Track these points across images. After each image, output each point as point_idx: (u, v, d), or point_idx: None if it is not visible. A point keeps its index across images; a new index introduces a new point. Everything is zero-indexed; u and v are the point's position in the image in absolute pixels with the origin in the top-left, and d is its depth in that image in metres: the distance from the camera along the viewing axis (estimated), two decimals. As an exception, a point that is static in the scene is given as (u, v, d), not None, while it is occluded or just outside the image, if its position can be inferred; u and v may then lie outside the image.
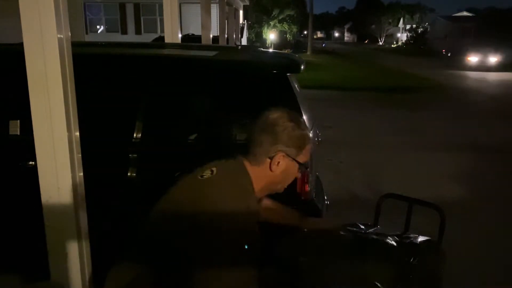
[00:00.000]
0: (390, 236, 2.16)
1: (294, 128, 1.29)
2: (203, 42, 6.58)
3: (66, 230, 1.94)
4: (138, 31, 21.85)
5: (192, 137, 2.52)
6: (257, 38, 30.93)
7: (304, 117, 2.54)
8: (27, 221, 2.22)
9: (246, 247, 1.13)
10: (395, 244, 2.02)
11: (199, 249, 1.13)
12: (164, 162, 2.35)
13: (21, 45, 1.76)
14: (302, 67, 2.58)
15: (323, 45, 54.48)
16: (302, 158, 1.31)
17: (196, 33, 11.71)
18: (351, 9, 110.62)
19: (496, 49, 23.58)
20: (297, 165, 1.31)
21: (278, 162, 1.30)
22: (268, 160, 1.30)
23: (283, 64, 2.69)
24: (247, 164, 1.35)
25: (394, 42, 66.63)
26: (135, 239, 1.31)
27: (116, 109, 2.50)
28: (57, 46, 1.74)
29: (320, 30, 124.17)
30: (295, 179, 2.41)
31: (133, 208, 2.03)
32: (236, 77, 2.42)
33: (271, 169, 1.30)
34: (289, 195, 2.45)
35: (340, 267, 1.81)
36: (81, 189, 1.96)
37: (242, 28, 21.54)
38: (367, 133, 7.84)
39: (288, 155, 1.30)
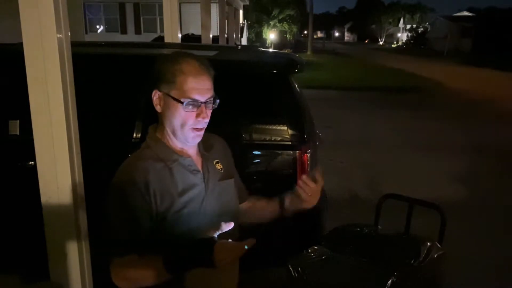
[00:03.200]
0: (390, 236, 2.16)
1: (162, 62, 1.26)
2: (203, 41, 6.58)
3: (65, 230, 1.94)
4: (137, 31, 21.84)
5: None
6: (257, 38, 30.92)
7: (305, 116, 2.54)
8: (27, 221, 2.22)
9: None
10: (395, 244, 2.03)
11: None
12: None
13: (21, 45, 1.76)
14: (302, 67, 2.58)
15: (324, 45, 54.34)
16: (176, 93, 1.22)
17: (196, 33, 11.72)
18: (351, 9, 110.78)
19: None
20: (174, 101, 1.23)
21: (157, 99, 1.27)
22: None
23: (283, 64, 2.69)
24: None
25: (395, 42, 66.62)
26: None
27: (116, 109, 2.50)
28: (57, 46, 1.74)
29: (321, 30, 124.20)
30: (295, 180, 2.43)
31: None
32: (236, 77, 2.42)
33: (158, 110, 1.29)
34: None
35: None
36: (81, 189, 1.96)
37: (242, 28, 21.53)
38: (368, 133, 7.83)
39: (160, 91, 1.25)
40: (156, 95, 1.27)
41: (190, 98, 1.22)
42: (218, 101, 1.29)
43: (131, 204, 1.22)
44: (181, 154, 1.31)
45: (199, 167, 1.34)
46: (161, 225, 1.24)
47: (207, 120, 1.27)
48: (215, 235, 1.14)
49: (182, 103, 1.22)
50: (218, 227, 1.16)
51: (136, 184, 1.22)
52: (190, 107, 1.23)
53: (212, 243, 1.10)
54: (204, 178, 1.32)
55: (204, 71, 1.25)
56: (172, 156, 1.30)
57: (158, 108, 1.28)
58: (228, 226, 1.16)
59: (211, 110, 1.28)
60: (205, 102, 1.25)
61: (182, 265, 1.14)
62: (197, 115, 1.24)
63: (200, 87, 1.23)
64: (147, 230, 1.22)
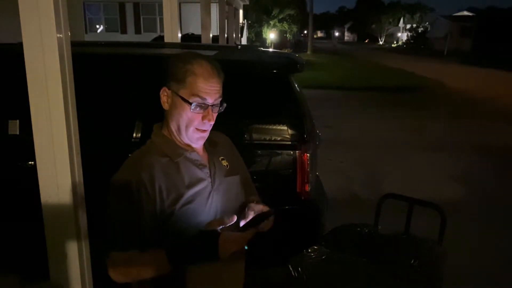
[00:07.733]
0: (390, 236, 2.16)
1: (174, 61, 1.26)
2: (203, 41, 6.57)
3: (65, 230, 1.94)
4: (137, 31, 21.82)
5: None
6: (257, 37, 30.91)
7: (305, 116, 2.54)
8: (27, 221, 2.22)
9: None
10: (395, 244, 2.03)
11: None
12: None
13: (21, 45, 1.76)
14: (302, 67, 2.58)
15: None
16: (185, 93, 1.22)
17: (196, 33, 11.72)
18: (351, 9, 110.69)
19: None
20: (181, 100, 1.23)
21: (165, 97, 1.27)
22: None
23: (283, 64, 2.69)
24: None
25: (395, 42, 66.65)
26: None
27: (116, 109, 2.50)
28: (56, 46, 1.74)
29: (321, 29, 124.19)
30: (295, 180, 2.44)
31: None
32: (236, 77, 2.41)
33: (165, 108, 1.29)
34: (289, 195, 2.47)
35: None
36: (81, 189, 1.95)
37: (242, 28, 21.52)
38: (368, 133, 7.84)
39: (169, 89, 1.26)
40: (164, 93, 1.27)
41: (198, 99, 1.23)
42: (225, 105, 1.29)
43: (135, 199, 1.21)
44: (187, 149, 1.32)
45: (205, 162, 1.35)
46: (167, 219, 1.23)
47: (212, 122, 1.28)
48: (218, 229, 1.14)
49: (190, 103, 1.22)
50: (221, 221, 1.17)
51: (140, 179, 1.22)
52: (198, 108, 1.24)
53: (217, 235, 1.12)
54: (210, 173, 1.33)
55: (215, 74, 1.25)
56: (178, 151, 1.30)
57: (166, 106, 1.29)
58: (231, 221, 1.17)
59: (217, 113, 1.29)
60: (213, 105, 1.25)
61: (185, 257, 1.15)
62: (203, 117, 1.25)
63: (209, 90, 1.23)
64: (150, 226, 1.22)
